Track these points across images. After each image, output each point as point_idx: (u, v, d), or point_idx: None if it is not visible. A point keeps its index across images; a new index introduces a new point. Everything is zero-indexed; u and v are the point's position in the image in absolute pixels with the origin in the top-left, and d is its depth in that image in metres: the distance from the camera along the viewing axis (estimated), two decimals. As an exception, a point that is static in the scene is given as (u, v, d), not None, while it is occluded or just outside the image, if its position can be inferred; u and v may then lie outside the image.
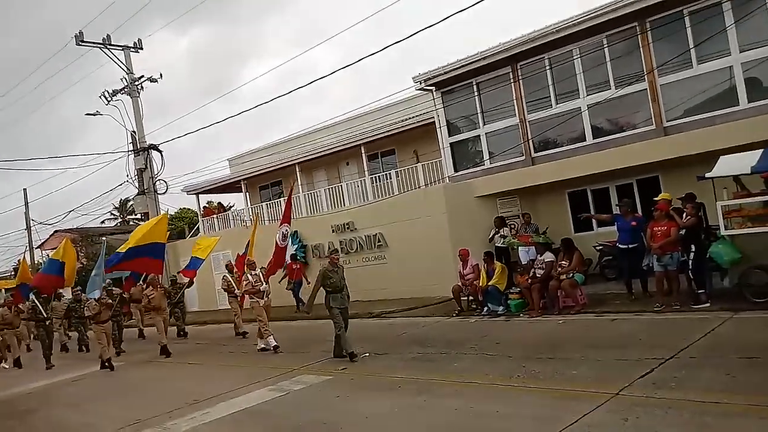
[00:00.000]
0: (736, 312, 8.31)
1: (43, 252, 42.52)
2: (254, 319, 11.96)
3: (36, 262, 34.08)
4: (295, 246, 17.82)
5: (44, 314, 14.98)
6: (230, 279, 14.40)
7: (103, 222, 38.79)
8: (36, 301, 15.11)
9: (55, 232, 34.15)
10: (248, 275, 11.77)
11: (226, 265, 15.28)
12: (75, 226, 31.58)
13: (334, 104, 74.27)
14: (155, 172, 21.19)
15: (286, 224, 13.18)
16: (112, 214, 41.28)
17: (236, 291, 14.01)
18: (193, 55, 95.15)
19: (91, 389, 10.76)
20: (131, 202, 34.19)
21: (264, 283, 11.78)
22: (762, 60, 10.44)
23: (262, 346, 11.39)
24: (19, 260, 19.78)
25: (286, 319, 14.60)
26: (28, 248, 33.06)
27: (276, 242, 12.88)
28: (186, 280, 16.18)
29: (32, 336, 17.94)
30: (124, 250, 13.14)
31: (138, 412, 7.89)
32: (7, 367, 15.04)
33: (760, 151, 8.54)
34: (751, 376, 5.60)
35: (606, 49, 12.17)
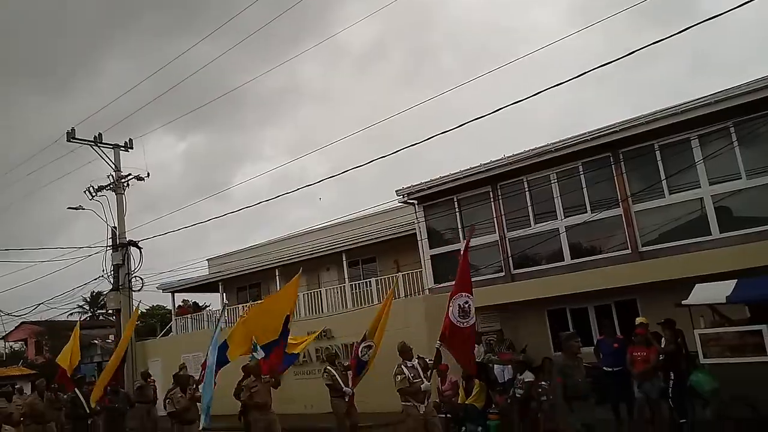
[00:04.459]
0: (719, 445, 8.16)
1: (7, 343, 40.77)
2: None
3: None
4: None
5: (86, 409, 11.70)
6: (334, 372, 11.32)
7: (71, 315, 37.57)
8: (77, 392, 11.95)
9: (22, 323, 33.03)
10: (403, 366, 8.45)
11: (327, 356, 12.46)
12: (42, 319, 30.53)
13: (323, 209, 75.78)
14: (132, 269, 20.90)
15: (466, 294, 8.89)
16: (81, 307, 40.09)
17: (345, 388, 11.12)
18: (188, 157, 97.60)
19: None
20: (103, 297, 33.42)
21: (426, 380, 8.47)
22: (731, 193, 11.02)
23: None
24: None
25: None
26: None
27: (450, 320, 8.73)
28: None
29: None
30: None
31: None
32: None
33: (735, 281, 8.79)
34: None
35: (582, 176, 12.76)
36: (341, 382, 11.08)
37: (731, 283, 8.85)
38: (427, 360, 8.88)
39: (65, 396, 12.50)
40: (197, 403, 8.91)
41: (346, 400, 10.94)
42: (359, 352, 11.27)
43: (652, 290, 11.83)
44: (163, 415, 12.43)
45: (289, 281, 11.75)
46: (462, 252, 9.58)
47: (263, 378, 9.88)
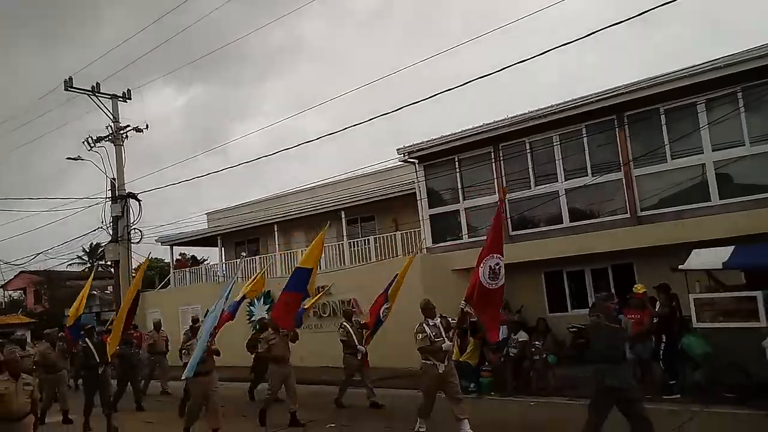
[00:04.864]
0: (707, 406, 8.33)
1: (6, 292, 41.12)
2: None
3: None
4: (267, 306, 17.56)
5: (97, 358, 11.09)
6: (349, 328, 11.16)
7: (69, 265, 37.79)
8: (88, 342, 11.33)
9: (21, 272, 33.27)
10: (425, 325, 8.23)
11: (345, 312, 12.08)
12: (41, 269, 30.74)
13: (323, 168, 75.59)
14: (131, 221, 20.95)
15: (497, 255, 8.45)
16: (80, 258, 40.25)
17: (358, 346, 10.98)
18: (189, 110, 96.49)
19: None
20: (102, 248, 33.54)
21: (447, 340, 8.16)
22: (733, 160, 10.96)
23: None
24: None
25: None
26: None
27: (479, 281, 8.33)
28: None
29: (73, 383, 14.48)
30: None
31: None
32: None
33: (732, 247, 8.84)
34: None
35: (585, 138, 12.68)
36: (356, 340, 10.93)
37: (729, 249, 8.90)
38: (450, 320, 8.82)
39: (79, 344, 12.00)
40: (214, 355, 8.92)
41: (359, 357, 10.88)
42: (381, 313, 11.08)
43: (649, 255, 11.91)
44: (175, 365, 12.74)
45: (317, 235, 11.41)
46: (495, 213, 9.08)
47: (281, 331, 9.93)
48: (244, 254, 17.88)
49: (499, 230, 8.85)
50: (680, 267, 9.09)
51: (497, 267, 8.34)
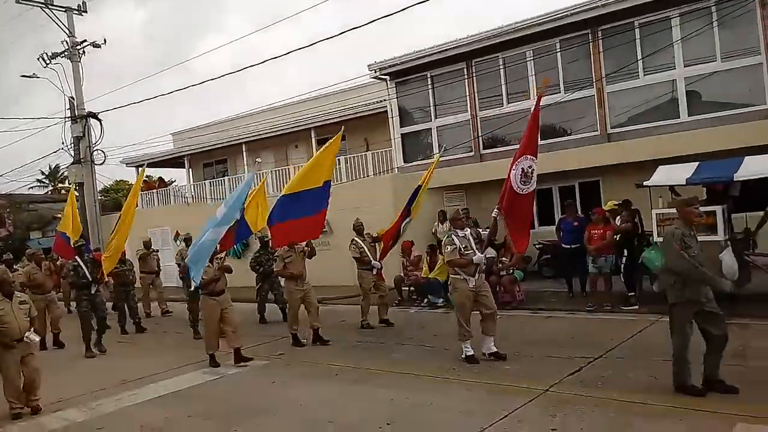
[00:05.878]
0: (663, 315, 8.66)
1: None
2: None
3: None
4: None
5: (89, 277, 10.37)
6: (362, 244, 10.31)
7: (31, 188, 36.75)
8: (79, 260, 10.54)
9: (-18, 196, 32.31)
10: (453, 236, 7.46)
11: (356, 227, 10.66)
12: (2, 192, 29.90)
13: (292, 86, 73.41)
14: (93, 141, 20.30)
15: (531, 156, 7.72)
16: (40, 181, 39.09)
17: (373, 262, 10.21)
18: (150, 26, 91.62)
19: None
20: (63, 170, 32.68)
21: (478, 252, 7.40)
22: (704, 76, 10.94)
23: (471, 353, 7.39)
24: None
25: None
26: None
27: (510, 185, 7.59)
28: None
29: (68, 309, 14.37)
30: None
31: (63, 390, 7.57)
32: None
33: (696, 163, 8.96)
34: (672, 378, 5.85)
35: (558, 54, 12.46)
36: (370, 255, 10.26)
37: (692, 166, 9.02)
38: (481, 231, 8.44)
39: (68, 264, 11.40)
40: (225, 273, 8.54)
41: (374, 273, 10.25)
42: (401, 228, 10.57)
43: (617, 172, 12.06)
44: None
45: (330, 141, 10.10)
46: (532, 110, 8.20)
47: (296, 247, 9.39)
48: (259, 160, 16.60)
49: (535, 130, 8.03)
50: (644, 183, 9.21)
51: (530, 170, 7.65)
